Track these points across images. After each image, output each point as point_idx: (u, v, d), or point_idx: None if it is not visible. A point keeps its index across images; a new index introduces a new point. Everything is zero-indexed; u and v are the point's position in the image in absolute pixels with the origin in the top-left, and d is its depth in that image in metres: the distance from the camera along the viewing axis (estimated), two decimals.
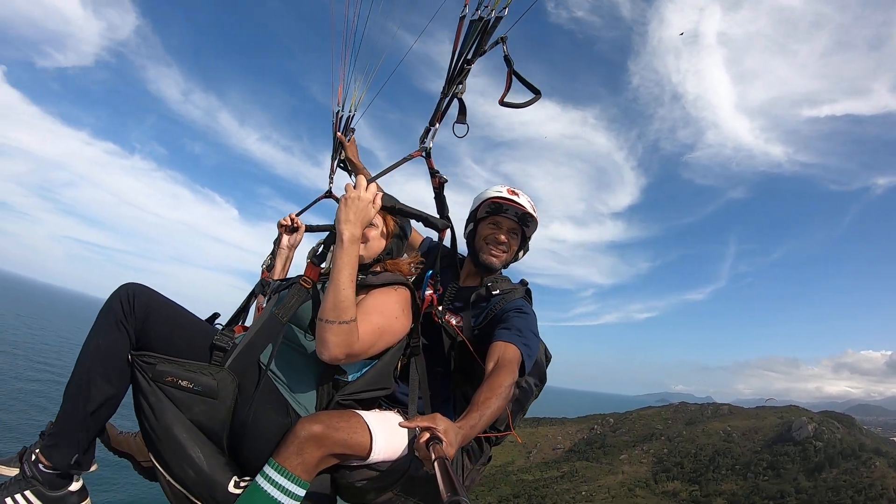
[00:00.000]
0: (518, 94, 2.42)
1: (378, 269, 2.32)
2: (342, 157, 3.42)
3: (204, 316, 2.17)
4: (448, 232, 2.33)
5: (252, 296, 2.57)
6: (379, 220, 2.30)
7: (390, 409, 2.20)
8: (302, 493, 1.76)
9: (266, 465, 1.75)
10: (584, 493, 61.13)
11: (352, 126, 3.35)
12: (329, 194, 3.39)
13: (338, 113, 3.38)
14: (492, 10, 2.15)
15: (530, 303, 2.63)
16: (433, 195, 2.34)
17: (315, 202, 3.32)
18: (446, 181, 2.34)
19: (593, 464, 69.68)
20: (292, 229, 2.84)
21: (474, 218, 2.71)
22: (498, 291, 2.60)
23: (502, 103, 2.34)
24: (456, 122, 2.39)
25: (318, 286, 2.08)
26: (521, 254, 2.78)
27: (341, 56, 3.23)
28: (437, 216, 2.29)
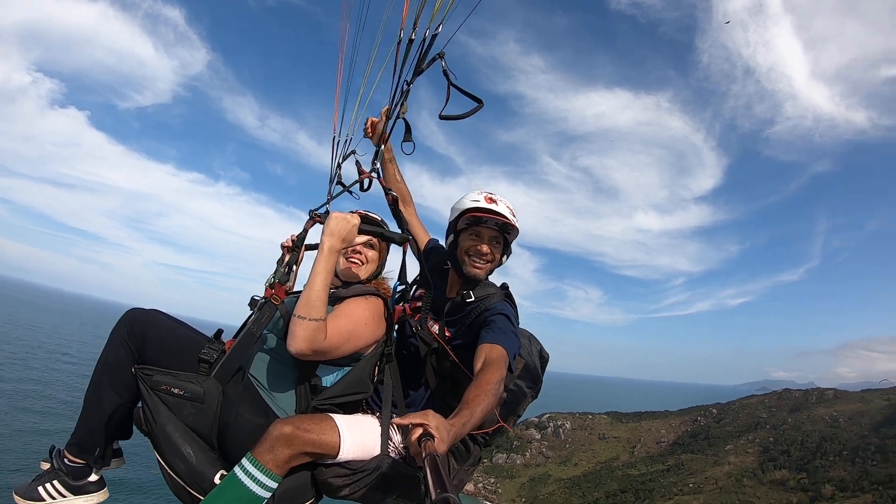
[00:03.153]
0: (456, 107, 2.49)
1: (369, 286, 2.58)
2: (339, 183, 3.18)
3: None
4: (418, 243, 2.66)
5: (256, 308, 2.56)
6: (377, 244, 2.61)
7: (369, 413, 2.43)
8: (273, 484, 1.97)
9: (243, 458, 1.96)
10: (691, 485, 61.94)
11: (351, 149, 3.15)
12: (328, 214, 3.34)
13: (334, 139, 3.30)
14: (426, 30, 2.22)
15: (512, 305, 2.66)
16: (390, 212, 2.58)
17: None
18: (398, 197, 2.65)
19: (699, 456, 69.66)
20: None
21: (454, 229, 2.69)
22: (473, 298, 2.63)
23: (442, 117, 2.41)
24: (403, 140, 2.59)
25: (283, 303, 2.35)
26: (504, 259, 2.76)
27: (339, 80, 3.12)
28: (398, 231, 2.56)
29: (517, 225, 2.66)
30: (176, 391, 2.10)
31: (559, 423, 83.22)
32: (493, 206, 2.60)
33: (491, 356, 2.21)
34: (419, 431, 1.62)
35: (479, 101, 2.47)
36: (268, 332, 2.37)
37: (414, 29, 2.28)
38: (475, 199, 2.64)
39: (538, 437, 79.51)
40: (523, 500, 63.31)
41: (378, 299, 2.48)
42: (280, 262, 2.61)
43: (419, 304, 2.69)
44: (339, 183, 3.08)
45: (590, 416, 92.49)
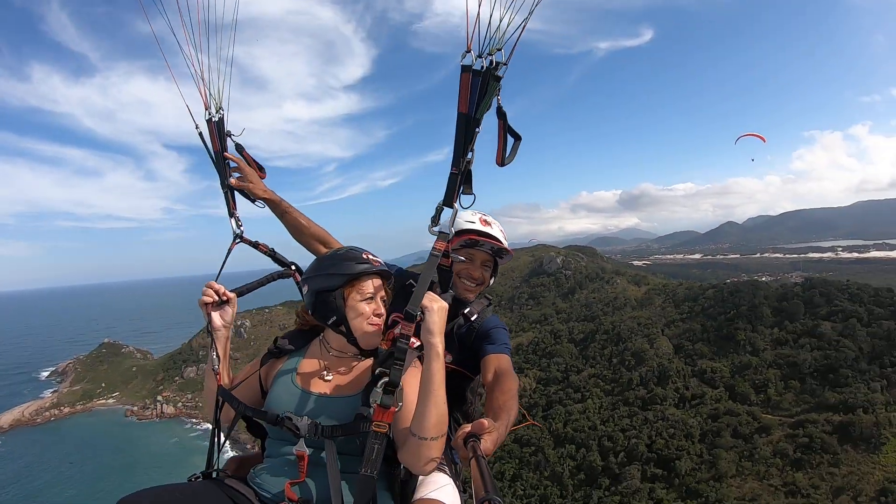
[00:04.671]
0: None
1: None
2: (230, 184, 2.74)
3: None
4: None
5: (217, 411, 2.21)
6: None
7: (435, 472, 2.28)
8: None
9: None
10: None
11: (227, 130, 2.70)
12: (241, 238, 2.73)
13: (209, 121, 2.65)
14: (490, 53, 1.83)
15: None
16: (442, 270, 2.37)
17: (228, 255, 2.69)
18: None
19: None
20: (221, 304, 2.27)
21: None
22: (476, 316, 2.67)
23: (502, 164, 2.12)
24: (462, 192, 2.21)
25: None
26: (492, 280, 2.83)
27: (192, 42, 2.54)
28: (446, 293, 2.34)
29: (510, 249, 2.77)
30: None
31: (239, 322, 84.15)
32: (488, 230, 2.68)
33: (502, 366, 2.38)
34: (464, 433, 1.66)
35: (518, 136, 2.23)
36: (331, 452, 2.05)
37: (477, 56, 1.83)
38: (470, 221, 2.69)
39: None
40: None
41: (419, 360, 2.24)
42: (208, 327, 2.26)
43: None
44: (233, 190, 2.80)
45: (266, 311, 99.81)
